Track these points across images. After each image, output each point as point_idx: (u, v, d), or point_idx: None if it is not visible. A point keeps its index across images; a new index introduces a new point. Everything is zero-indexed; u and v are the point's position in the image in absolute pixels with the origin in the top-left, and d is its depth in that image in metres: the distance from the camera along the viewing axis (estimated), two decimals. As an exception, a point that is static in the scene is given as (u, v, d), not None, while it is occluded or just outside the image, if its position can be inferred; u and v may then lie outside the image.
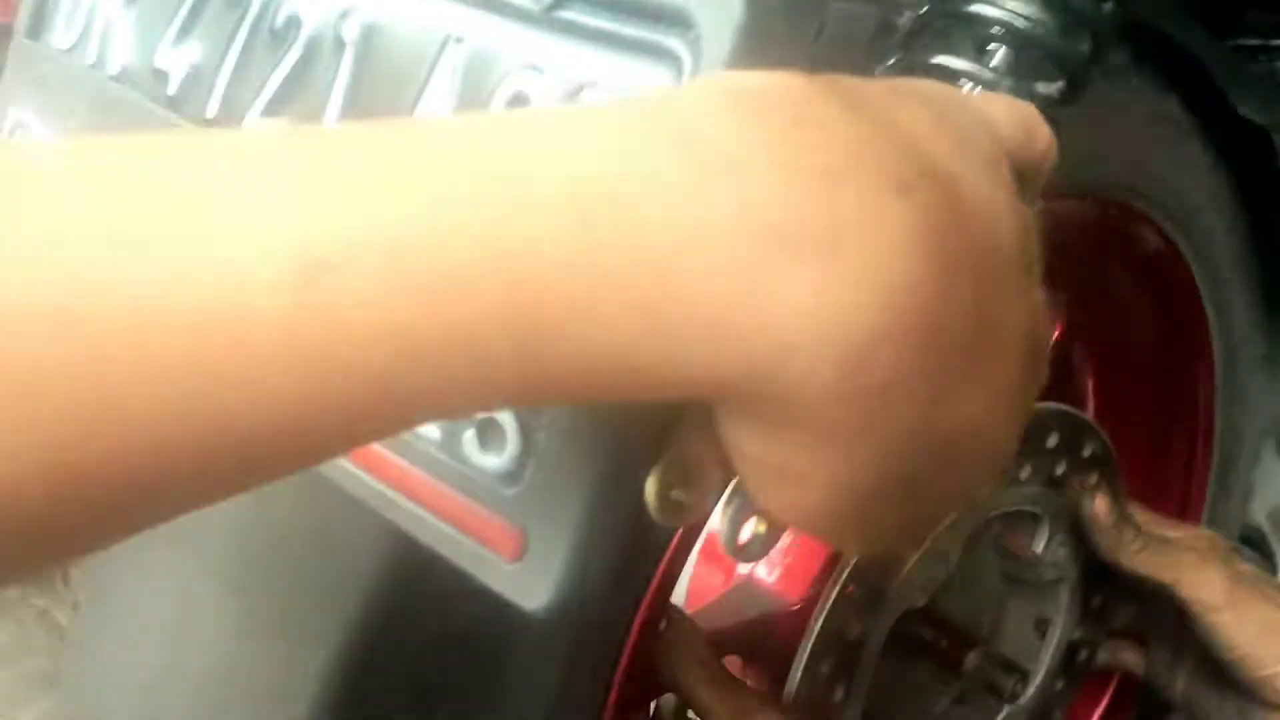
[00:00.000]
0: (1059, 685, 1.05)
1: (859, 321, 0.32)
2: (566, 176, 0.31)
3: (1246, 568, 0.93)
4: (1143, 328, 1.07)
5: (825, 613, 0.80)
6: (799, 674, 0.81)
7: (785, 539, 0.61)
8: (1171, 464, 1.12)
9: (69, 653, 0.77)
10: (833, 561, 0.83)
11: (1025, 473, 0.91)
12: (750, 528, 0.51)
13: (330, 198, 0.29)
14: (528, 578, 0.45)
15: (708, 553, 0.93)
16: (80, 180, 0.29)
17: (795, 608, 0.83)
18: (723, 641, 0.83)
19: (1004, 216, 0.36)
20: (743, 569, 0.90)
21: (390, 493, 0.50)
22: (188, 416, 0.28)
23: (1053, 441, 0.92)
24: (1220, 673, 0.94)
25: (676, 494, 0.46)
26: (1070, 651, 1.04)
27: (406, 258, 0.29)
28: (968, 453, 0.37)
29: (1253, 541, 1.59)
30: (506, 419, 0.46)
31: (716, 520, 0.49)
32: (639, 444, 0.45)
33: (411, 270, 0.29)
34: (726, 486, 0.48)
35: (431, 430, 0.48)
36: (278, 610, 0.61)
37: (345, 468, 0.51)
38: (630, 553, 0.47)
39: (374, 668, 0.58)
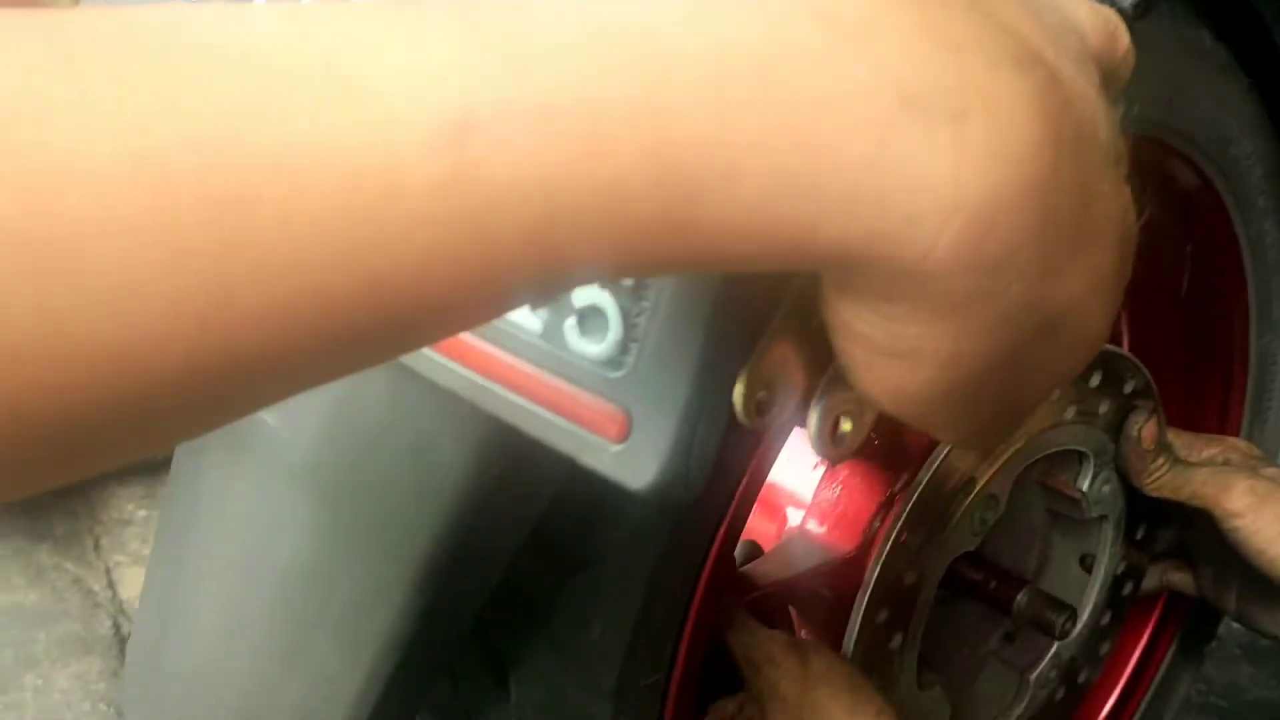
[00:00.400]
0: (1106, 619, 1.06)
1: (986, 187, 0.33)
2: (708, 42, 0.31)
3: (1271, 471, 0.94)
4: (1176, 260, 1.07)
5: (881, 562, 0.81)
6: (857, 624, 0.82)
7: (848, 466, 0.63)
8: (1207, 394, 1.13)
9: (149, 570, 0.77)
10: (885, 508, 0.84)
11: (1070, 413, 0.92)
12: (836, 427, 0.52)
13: (482, 57, 0.30)
14: (633, 458, 0.46)
15: (764, 502, 0.94)
16: (234, 35, 0.30)
17: (848, 558, 0.84)
18: (778, 594, 0.84)
19: (1097, 109, 0.37)
20: (793, 520, 0.91)
21: (487, 383, 0.51)
22: (334, 274, 0.29)
23: (1096, 380, 0.93)
24: (1267, 584, 0.95)
25: (762, 395, 0.47)
26: (1116, 585, 1.05)
27: (556, 116, 0.30)
28: (1068, 335, 0.39)
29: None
30: (608, 304, 0.46)
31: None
32: (740, 326, 0.46)
33: (560, 130, 0.30)
34: (811, 392, 0.49)
35: (531, 320, 0.49)
36: (368, 516, 0.62)
37: (437, 360, 0.52)
38: (731, 433, 0.47)
39: (467, 568, 0.59)
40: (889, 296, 0.36)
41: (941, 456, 0.82)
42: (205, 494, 0.71)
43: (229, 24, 0.30)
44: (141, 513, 2.26)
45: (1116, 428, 0.96)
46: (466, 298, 0.31)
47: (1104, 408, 0.95)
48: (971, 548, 0.89)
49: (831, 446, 0.51)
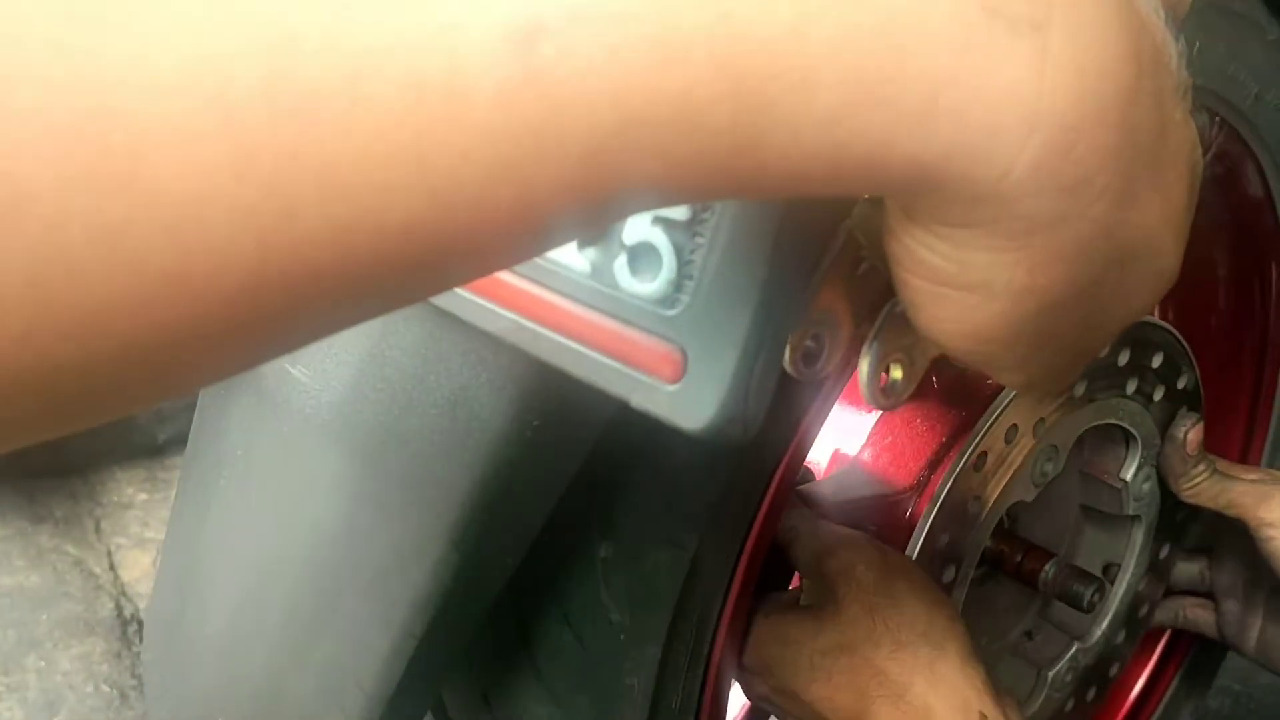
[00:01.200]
0: (1120, 637, 1.06)
1: (1069, 101, 0.31)
2: None
3: None
4: (1213, 231, 1.07)
5: (951, 481, 0.80)
6: (920, 541, 0.81)
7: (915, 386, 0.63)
8: (1242, 369, 1.13)
9: (168, 535, 0.76)
10: (947, 447, 0.83)
11: (1132, 386, 0.92)
12: (888, 374, 0.51)
13: None
14: (689, 398, 0.45)
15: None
16: None
17: (904, 493, 0.83)
18: (831, 517, 0.83)
19: (1167, 35, 0.36)
20: (846, 453, 0.90)
21: (533, 325, 0.49)
22: (395, 190, 0.27)
23: (1157, 362, 0.94)
24: None
25: (809, 344, 0.46)
26: (1134, 603, 1.05)
27: (627, 23, 0.28)
28: (1143, 266, 0.38)
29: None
30: (660, 241, 0.45)
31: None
32: (799, 260, 0.44)
33: (631, 36, 0.28)
34: (859, 340, 0.48)
35: (578, 260, 0.47)
36: (400, 470, 0.61)
37: (478, 302, 0.50)
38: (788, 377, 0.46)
39: (504, 524, 0.58)
40: (963, 222, 0.34)
41: (1008, 400, 0.81)
42: (229, 452, 0.69)
43: None
44: (142, 496, 2.25)
45: (1164, 425, 0.97)
46: (528, 221, 0.30)
47: (1158, 395, 0.95)
48: (1029, 498, 0.89)
49: (882, 395, 0.50)
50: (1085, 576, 0.99)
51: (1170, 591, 1.10)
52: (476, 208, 0.29)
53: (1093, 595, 0.98)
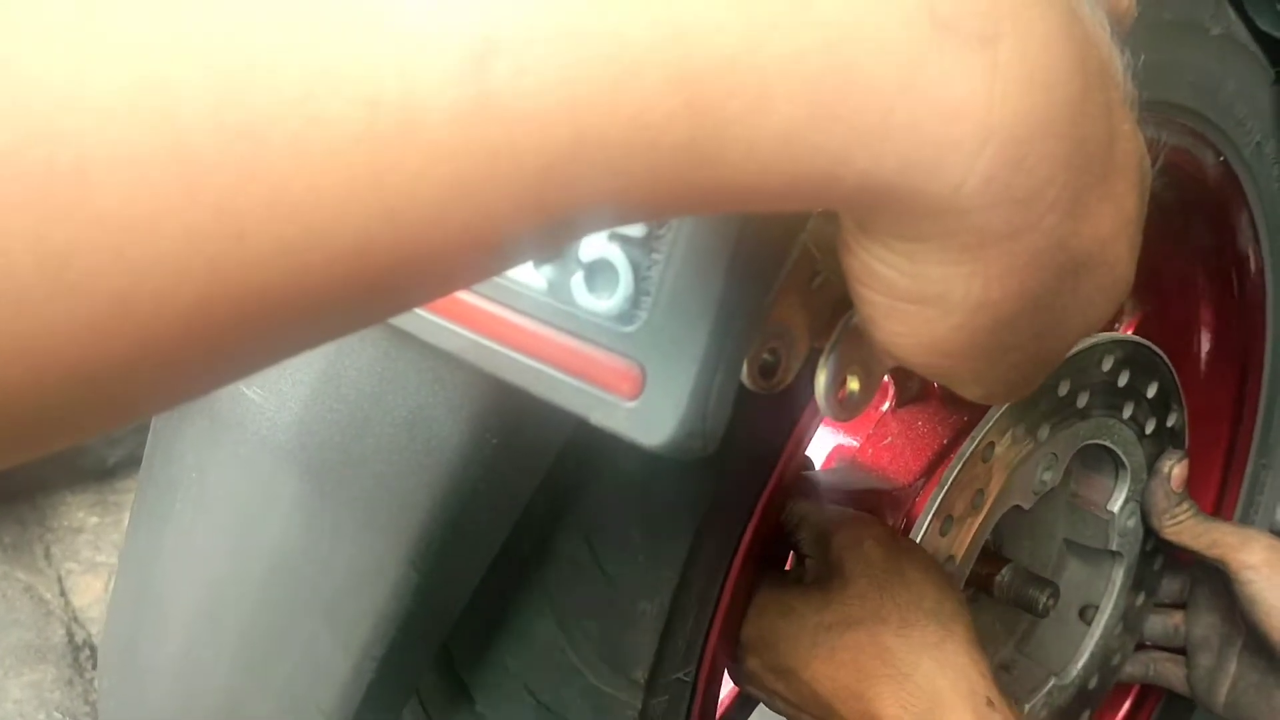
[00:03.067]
0: (1093, 682, 1.07)
1: (1019, 112, 0.32)
2: None
3: None
4: (1202, 278, 1.08)
5: (954, 475, 0.80)
6: (927, 522, 0.81)
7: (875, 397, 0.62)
8: (1223, 396, 1.14)
9: (121, 560, 0.75)
10: (947, 451, 0.84)
11: (1128, 410, 0.93)
12: (845, 386, 0.51)
13: None
14: (647, 415, 0.45)
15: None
16: None
17: (903, 489, 0.84)
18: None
19: (1112, 48, 0.37)
20: (844, 445, 0.90)
21: (490, 343, 0.49)
22: (349, 211, 0.27)
23: (1152, 391, 0.95)
24: (1265, 670, 0.97)
25: (766, 358, 0.46)
26: (1108, 650, 1.06)
27: (580, 42, 0.28)
28: (1097, 276, 0.38)
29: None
30: (617, 258, 0.45)
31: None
32: (756, 275, 0.44)
33: (585, 56, 0.28)
34: (815, 352, 0.48)
35: (535, 278, 0.47)
36: (358, 491, 0.60)
37: (435, 321, 0.50)
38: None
39: (464, 544, 0.57)
40: (917, 235, 0.34)
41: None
42: (184, 475, 0.69)
43: None
44: (93, 519, 2.22)
45: (1151, 462, 0.98)
46: (485, 241, 0.30)
47: (1150, 428, 0.96)
48: (1026, 505, 0.90)
49: (839, 407, 0.50)
50: (1039, 581, 1.00)
51: (1142, 645, 1.11)
52: (432, 227, 0.28)
53: (1047, 599, 0.99)
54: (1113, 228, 0.37)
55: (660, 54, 0.29)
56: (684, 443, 0.44)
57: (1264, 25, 0.94)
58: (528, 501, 0.57)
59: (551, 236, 0.32)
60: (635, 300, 0.45)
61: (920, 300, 0.36)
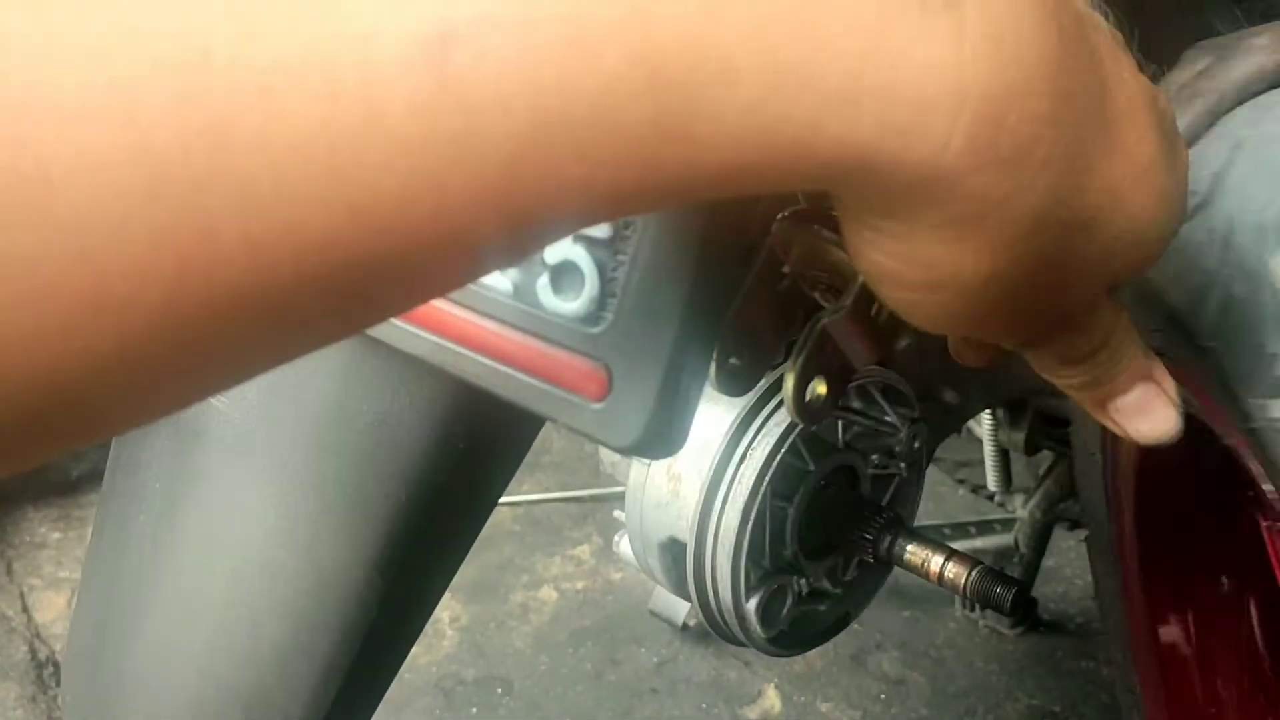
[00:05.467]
0: None
1: (991, 72, 0.32)
2: None
3: None
4: None
5: None
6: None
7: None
8: None
9: (85, 570, 0.74)
10: None
11: None
12: (812, 390, 0.51)
13: None
14: (615, 416, 0.45)
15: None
16: None
17: None
18: None
19: (1089, 8, 0.37)
20: None
21: (456, 347, 0.49)
22: (314, 205, 0.27)
23: None
24: None
25: (735, 362, 0.46)
26: None
27: (538, 25, 0.28)
28: (1111, 230, 0.38)
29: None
30: (582, 259, 0.45)
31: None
32: (722, 274, 0.44)
33: (543, 38, 0.28)
34: (780, 354, 0.49)
35: (501, 280, 0.47)
36: (325, 496, 0.60)
37: (401, 326, 0.50)
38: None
39: (432, 548, 0.57)
40: (911, 212, 0.34)
41: None
42: (147, 486, 0.68)
43: None
44: (55, 535, 2.20)
45: None
46: (452, 236, 0.29)
47: None
48: None
49: (806, 411, 0.50)
50: (1006, 580, 1.00)
51: None
52: (397, 220, 0.28)
53: (1014, 597, 0.99)
54: (1126, 176, 0.37)
55: (620, 32, 0.29)
56: (651, 444, 0.44)
57: (1223, 28, 0.95)
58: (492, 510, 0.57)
59: (519, 234, 0.31)
60: (601, 302, 0.45)
61: (934, 287, 0.36)
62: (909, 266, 0.36)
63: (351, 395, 0.57)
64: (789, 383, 0.49)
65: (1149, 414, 0.46)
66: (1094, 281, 0.40)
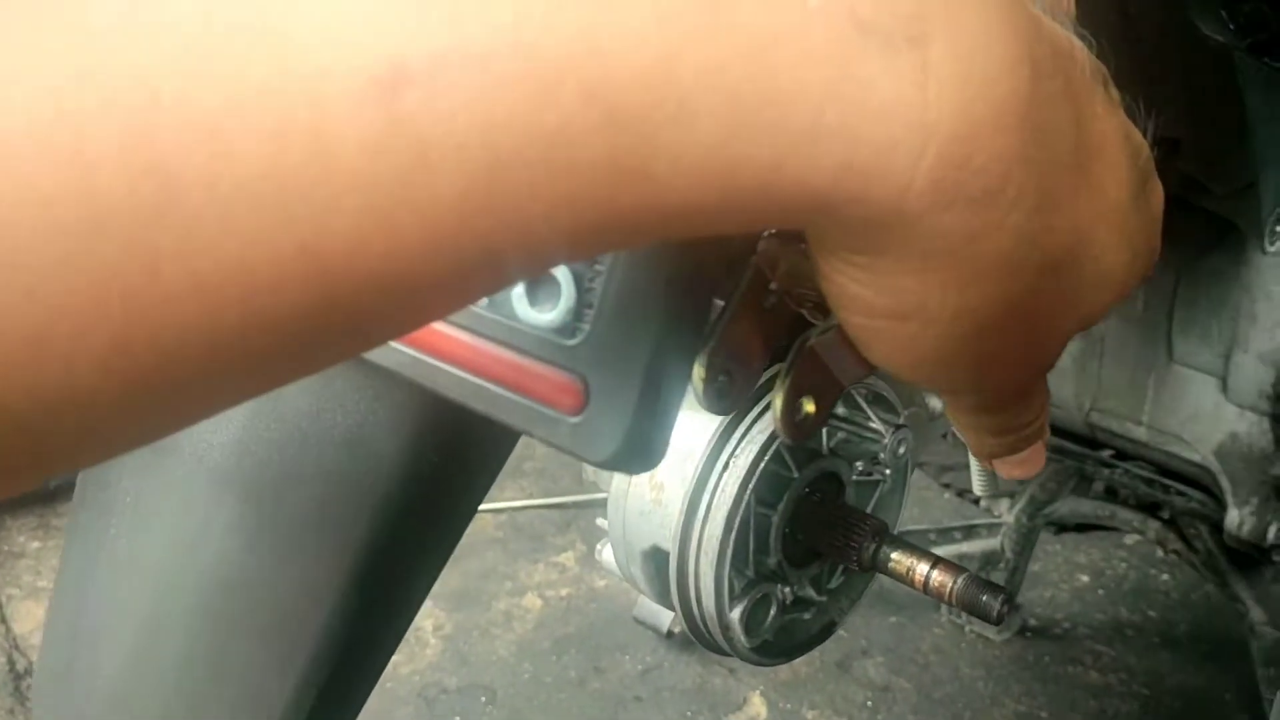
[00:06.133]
0: None
1: (957, 110, 0.31)
2: None
3: None
4: None
5: None
6: None
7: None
8: None
9: (55, 589, 0.73)
10: None
11: None
12: (800, 408, 0.51)
13: (412, 6, 0.28)
14: (592, 430, 0.44)
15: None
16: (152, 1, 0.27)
17: None
18: None
19: (1071, 36, 0.36)
20: None
21: (429, 359, 0.48)
22: (263, 245, 0.27)
23: None
24: None
25: (722, 380, 0.46)
26: None
27: (493, 63, 0.28)
28: (1084, 270, 0.37)
29: (1201, 483, 1.62)
30: (559, 269, 0.44)
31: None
32: (700, 284, 0.43)
33: (498, 76, 0.28)
34: (766, 371, 0.48)
35: (475, 291, 0.46)
36: (298, 513, 0.59)
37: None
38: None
39: (407, 564, 0.56)
40: (878, 247, 0.33)
41: None
42: (118, 501, 0.67)
43: None
44: (34, 544, 2.19)
45: None
46: (409, 274, 0.29)
47: None
48: None
49: (795, 429, 0.50)
50: (992, 588, 0.99)
51: None
52: (348, 259, 0.28)
53: (1001, 606, 0.98)
54: (1093, 215, 0.36)
55: (577, 70, 0.28)
56: (629, 458, 0.43)
57: (1207, 29, 0.94)
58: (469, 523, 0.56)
59: (477, 274, 0.30)
60: (577, 313, 0.44)
61: (900, 316, 0.36)
62: (875, 293, 0.35)
63: (325, 409, 0.56)
64: (778, 402, 0.48)
65: (1026, 464, 0.48)
66: (1063, 324, 0.39)
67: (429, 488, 0.55)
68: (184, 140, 0.26)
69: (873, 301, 0.35)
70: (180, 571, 0.64)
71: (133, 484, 0.66)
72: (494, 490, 0.64)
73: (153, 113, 0.26)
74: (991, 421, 0.45)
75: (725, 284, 0.45)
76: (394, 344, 0.49)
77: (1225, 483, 1.54)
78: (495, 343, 0.46)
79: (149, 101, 0.26)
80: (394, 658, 0.70)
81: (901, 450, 0.93)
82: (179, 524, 0.64)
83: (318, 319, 0.28)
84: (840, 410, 0.89)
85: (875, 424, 0.90)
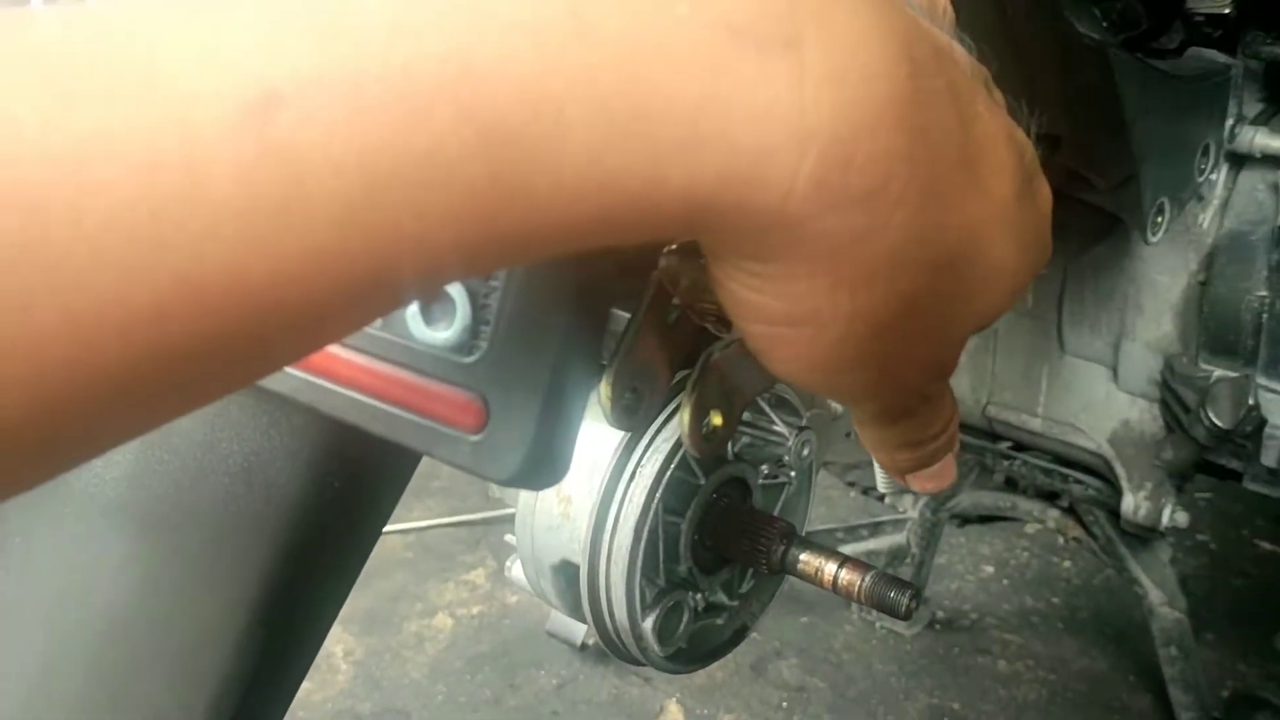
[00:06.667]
0: None
1: (835, 111, 0.31)
2: None
3: None
4: None
5: None
6: None
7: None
8: None
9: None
10: None
11: None
12: (708, 422, 0.51)
13: (286, 30, 0.28)
14: (493, 448, 0.43)
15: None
16: (12, 31, 0.27)
17: None
18: None
19: (950, 39, 0.37)
20: None
21: (324, 383, 0.47)
22: (137, 277, 0.26)
23: None
24: None
25: (628, 398, 0.46)
26: None
27: (365, 85, 0.28)
28: (973, 269, 0.37)
29: (1097, 470, 1.66)
30: (453, 286, 0.43)
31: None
32: (598, 296, 0.43)
33: (371, 98, 0.28)
34: (674, 386, 0.48)
35: (369, 312, 0.45)
36: (196, 546, 0.57)
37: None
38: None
39: (312, 592, 0.55)
40: (766, 253, 0.33)
41: None
42: (6, 541, 0.64)
43: (7, 24, 0.27)
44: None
45: None
46: (294, 300, 0.28)
47: None
48: None
49: (704, 442, 0.50)
50: (900, 584, 1.00)
51: None
52: (230, 289, 0.27)
53: (909, 602, 0.99)
54: (982, 214, 0.36)
55: (450, 89, 0.28)
56: (532, 475, 0.43)
57: (1083, 27, 0.96)
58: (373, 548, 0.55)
59: (364, 297, 0.30)
60: (474, 330, 0.43)
61: (796, 321, 0.35)
62: (771, 300, 0.35)
63: (219, 438, 0.55)
64: (685, 418, 0.48)
65: (938, 478, 0.49)
66: (959, 324, 0.39)
67: (331, 513, 0.54)
68: (48, 173, 0.25)
69: (768, 308, 0.35)
70: (74, 612, 0.62)
71: (21, 523, 0.64)
72: (401, 510, 0.62)
73: (14, 143, 0.25)
74: (898, 433, 0.45)
75: (622, 291, 0.45)
76: (288, 369, 0.48)
77: (1120, 469, 1.57)
78: (391, 363, 0.45)
79: (10, 134, 0.25)
80: (304, 685, 0.68)
81: (806, 452, 0.94)
82: (71, 562, 0.62)
83: (203, 349, 0.28)
84: (745, 415, 0.89)
85: (779, 427, 0.91)
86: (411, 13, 0.28)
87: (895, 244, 0.33)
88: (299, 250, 0.28)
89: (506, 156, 0.29)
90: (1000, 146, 0.37)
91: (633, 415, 0.46)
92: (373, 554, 0.62)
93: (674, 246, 0.45)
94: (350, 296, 0.29)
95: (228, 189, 0.26)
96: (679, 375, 0.49)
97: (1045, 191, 0.40)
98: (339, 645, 2.04)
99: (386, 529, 0.59)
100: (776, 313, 0.35)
